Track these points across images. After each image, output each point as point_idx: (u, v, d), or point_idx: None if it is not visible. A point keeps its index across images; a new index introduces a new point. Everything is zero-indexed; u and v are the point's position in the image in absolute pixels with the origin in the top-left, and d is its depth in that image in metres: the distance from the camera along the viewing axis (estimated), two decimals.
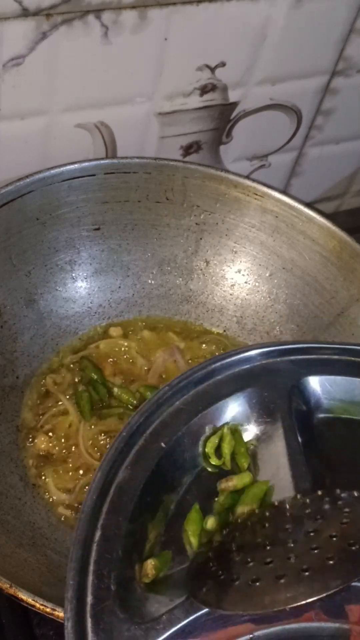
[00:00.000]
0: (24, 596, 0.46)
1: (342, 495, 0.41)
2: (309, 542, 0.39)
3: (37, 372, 0.64)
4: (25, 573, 0.51)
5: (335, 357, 0.50)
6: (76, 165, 0.63)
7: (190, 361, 0.67)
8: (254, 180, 0.66)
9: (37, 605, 0.45)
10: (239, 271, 0.69)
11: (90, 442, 0.61)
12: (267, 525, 0.42)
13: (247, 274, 0.69)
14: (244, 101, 0.69)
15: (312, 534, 0.39)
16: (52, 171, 0.62)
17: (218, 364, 0.49)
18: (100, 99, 0.63)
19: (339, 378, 0.49)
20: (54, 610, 0.45)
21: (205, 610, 0.38)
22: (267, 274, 0.69)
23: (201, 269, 0.70)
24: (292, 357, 0.49)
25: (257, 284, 0.69)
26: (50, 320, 0.66)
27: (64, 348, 0.66)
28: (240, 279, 0.70)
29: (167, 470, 0.45)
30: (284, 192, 0.67)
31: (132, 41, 0.59)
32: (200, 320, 0.70)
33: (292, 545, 0.39)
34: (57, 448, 0.61)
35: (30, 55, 0.57)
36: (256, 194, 0.66)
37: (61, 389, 0.64)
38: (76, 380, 0.64)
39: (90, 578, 0.39)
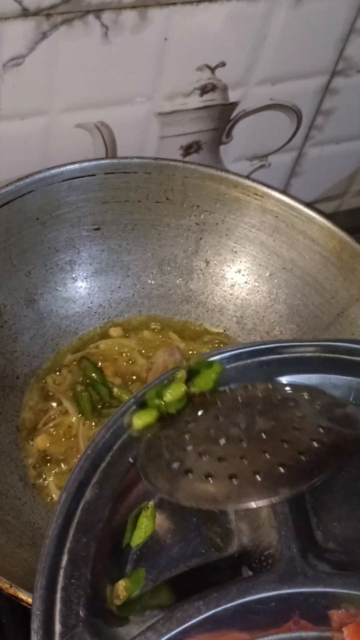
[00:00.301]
0: (24, 596, 0.45)
1: (291, 393, 0.43)
2: (262, 445, 0.40)
3: (37, 372, 0.64)
4: (25, 573, 0.51)
5: (307, 354, 0.48)
6: (76, 165, 0.63)
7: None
8: (254, 180, 0.66)
9: None
10: (239, 271, 0.69)
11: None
12: (220, 418, 0.42)
13: (247, 274, 0.69)
14: (244, 101, 0.69)
15: (264, 435, 0.40)
16: (52, 171, 0.62)
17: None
18: (100, 99, 0.63)
19: (313, 376, 0.48)
20: None
21: (178, 629, 0.37)
22: (267, 274, 0.69)
23: (201, 269, 0.70)
24: (262, 358, 0.48)
25: (257, 284, 0.69)
26: (50, 320, 0.66)
27: (64, 348, 0.66)
28: (240, 279, 0.70)
29: (136, 485, 0.43)
30: (284, 192, 0.67)
31: (132, 41, 0.59)
32: (200, 320, 0.70)
33: (245, 445, 0.40)
34: (57, 448, 0.61)
35: (30, 55, 0.57)
36: (256, 194, 0.66)
37: (61, 389, 0.64)
38: (76, 380, 0.64)
39: (58, 606, 0.37)
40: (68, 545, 0.39)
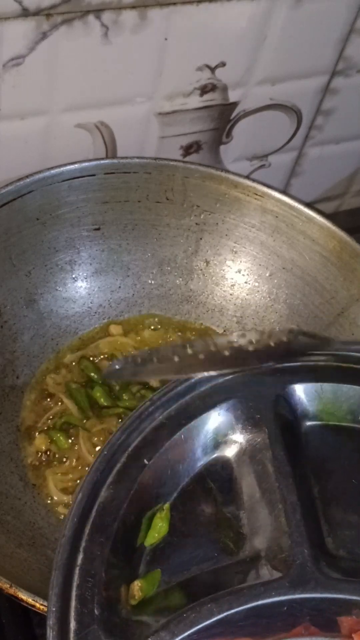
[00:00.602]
0: (24, 596, 0.46)
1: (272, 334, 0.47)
2: (211, 343, 0.45)
3: (37, 372, 0.64)
4: (25, 573, 0.51)
5: (321, 363, 0.49)
6: (76, 165, 0.63)
7: None
8: (254, 180, 0.66)
9: (37, 605, 0.45)
10: (239, 271, 0.69)
11: (91, 441, 0.61)
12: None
13: (247, 274, 0.69)
14: (244, 101, 0.69)
15: (236, 337, 0.45)
16: (52, 171, 0.62)
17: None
18: (100, 99, 0.63)
19: (325, 385, 0.48)
20: None
21: (191, 631, 0.37)
22: (267, 274, 0.69)
23: (201, 269, 0.70)
24: (277, 365, 0.48)
25: (257, 284, 0.69)
26: (50, 320, 0.66)
27: (64, 348, 0.66)
28: (240, 279, 0.70)
29: (150, 487, 0.44)
30: (284, 192, 0.67)
31: (132, 41, 0.59)
32: (200, 320, 0.70)
33: (217, 342, 0.45)
34: (57, 448, 0.61)
35: (30, 55, 0.57)
36: (256, 194, 0.66)
37: (61, 389, 0.64)
38: (76, 380, 0.64)
39: (73, 603, 0.38)
40: (83, 544, 0.40)
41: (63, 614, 0.38)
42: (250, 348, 0.44)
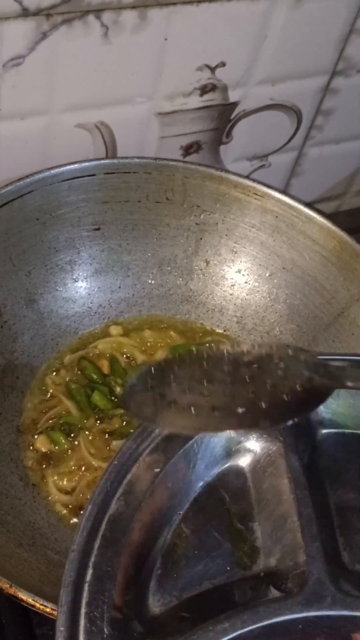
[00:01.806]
0: (24, 596, 0.46)
1: (276, 350, 0.43)
2: (246, 385, 0.40)
3: (37, 372, 0.64)
4: (25, 573, 0.51)
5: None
6: (76, 165, 0.63)
7: None
8: (254, 180, 0.66)
9: (37, 605, 0.45)
10: (239, 271, 0.69)
11: (91, 441, 0.61)
12: (205, 365, 0.42)
13: (247, 274, 0.69)
14: (244, 101, 0.69)
15: (248, 378, 0.41)
16: (52, 171, 0.62)
17: None
18: (100, 99, 0.63)
19: (341, 391, 0.47)
20: (54, 610, 0.45)
21: None
22: (267, 274, 0.69)
23: (201, 269, 0.70)
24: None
25: (257, 284, 0.69)
26: (50, 320, 0.66)
27: (64, 348, 0.66)
28: (240, 279, 0.70)
29: (162, 498, 0.43)
30: (284, 192, 0.67)
31: (132, 41, 0.59)
32: (200, 320, 0.70)
33: (230, 385, 0.41)
34: (57, 448, 0.61)
35: (30, 55, 0.57)
36: (256, 194, 0.66)
37: (61, 389, 0.64)
38: (76, 380, 0.64)
39: (82, 622, 0.37)
40: (93, 559, 0.39)
41: (72, 632, 0.37)
42: (263, 405, 0.40)
